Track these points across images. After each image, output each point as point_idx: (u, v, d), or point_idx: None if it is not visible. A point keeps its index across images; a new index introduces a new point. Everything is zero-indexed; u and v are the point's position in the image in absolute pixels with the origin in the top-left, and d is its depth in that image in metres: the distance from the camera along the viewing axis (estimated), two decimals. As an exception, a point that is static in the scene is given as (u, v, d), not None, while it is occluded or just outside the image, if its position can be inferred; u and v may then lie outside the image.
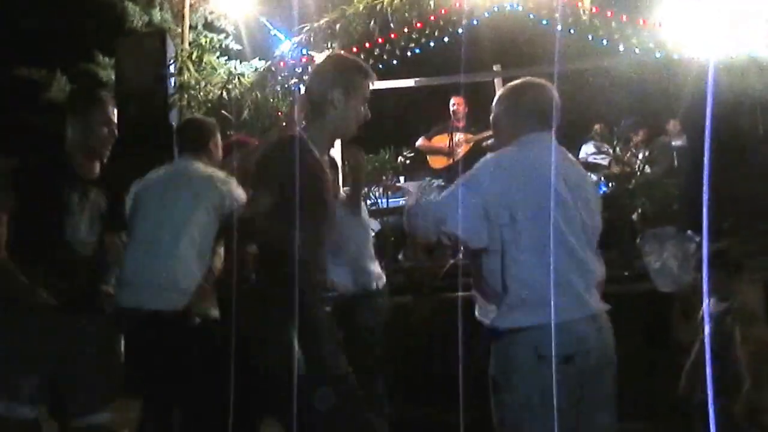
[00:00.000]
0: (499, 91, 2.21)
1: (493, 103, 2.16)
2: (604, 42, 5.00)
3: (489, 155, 2.04)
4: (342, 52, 4.12)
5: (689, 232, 3.94)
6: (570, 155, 2.13)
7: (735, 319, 3.06)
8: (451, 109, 6.36)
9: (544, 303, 1.78)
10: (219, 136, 3.01)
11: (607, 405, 1.95)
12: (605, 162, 4.72)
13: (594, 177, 5.01)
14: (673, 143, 5.93)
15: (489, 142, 6.62)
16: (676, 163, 5.22)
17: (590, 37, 5.02)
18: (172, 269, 2.63)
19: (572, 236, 1.87)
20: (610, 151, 4.47)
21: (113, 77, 5.84)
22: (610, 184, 4.47)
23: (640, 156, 4.69)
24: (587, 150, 6.26)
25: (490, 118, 2.18)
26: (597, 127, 6.37)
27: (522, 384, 1.83)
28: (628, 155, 4.42)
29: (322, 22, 5.35)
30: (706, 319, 3.13)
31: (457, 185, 1.92)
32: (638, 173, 4.39)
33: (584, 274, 1.90)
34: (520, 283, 1.85)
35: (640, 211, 4.39)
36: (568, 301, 1.82)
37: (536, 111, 2.03)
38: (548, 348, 1.75)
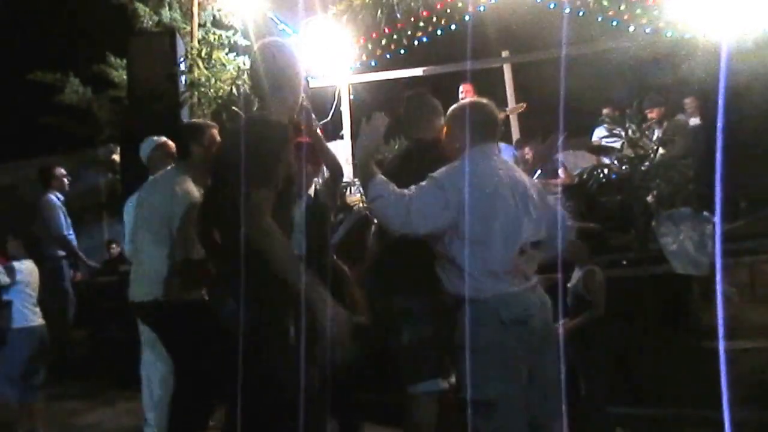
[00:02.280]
0: (449, 111, 2.51)
1: (445, 121, 2.54)
2: (614, 23, 4.94)
3: (444, 170, 2.32)
4: None
5: (705, 213, 3.90)
6: (511, 163, 2.52)
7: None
8: (460, 96, 6.33)
9: (499, 279, 2.21)
10: (206, 134, 2.98)
11: (557, 370, 2.29)
12: (617, 145, 4.67)
13: (607, 160, 4.97)
14: (690, 121, 5.85)
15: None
16: (691, 143, 5.14)
17: (599, 18, 4.97)
18: (144, 265, 2.95)
19: (517, 229, 2.27)
20: (623, 133, 4.41)
21: (125, 77, 5.91)
22: (623, 167, 4.42)
23: (654, 137, 4.62)
24: (599, 134, 6.20)
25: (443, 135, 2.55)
26: (606, 110, 6.31)
27: (485, 344, 2.18)
28: (640, 136, 4.36)
29: (329, 14, 5.36)
30: (720, 301, 3.11)
31: (424, 184, 2.27)
32: (652, 155, 4.33)
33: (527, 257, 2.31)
34: (478, 263, 2.22)
35: (655, 193, 4.34)
36: (515, 277, 2.24)
37: (482, 126, 2.39)
38: (506, 313, 2.18)
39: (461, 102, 2.51)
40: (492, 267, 2.21)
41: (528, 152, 6.71)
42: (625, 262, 4.01)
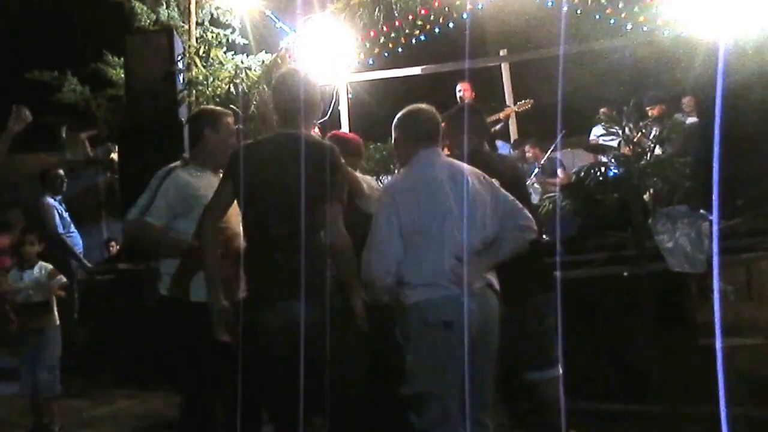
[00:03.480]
0: (395, 119, 2.62)
1: (393, 128, 2.63)
2: (611, 21, 4.95)
3: (388, 181, 2.51)
4: None
5: (702, 210, 3.91)
6: (456, 164, 2.52)
7: None
8: (458, 95, 6.34)
9: (429, 284, 2.32)
10: (223, 121, 2.89)
11: (488, 368, 2.41)
12: (614, 143, 4.68)
13: (604, 158, 4.97)
14: (688, 120, 5.85)
15: (498, 127, 6.65)
16: (688, 141, 5.15)
17: (597, 17, 4.97)
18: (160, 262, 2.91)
19: (452, 233, 2.34)
20: (620, 132, 4.42)
21: (123, 76, 5.91)
22: (620, 168, 4.43)
23: (651, 135, 4.63)
24: (596, 132, 6.21)
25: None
26: (603, 110, 6.33)
27: (416, 345, 2.34)
28: (638, 135, 4.37)
29: (327, 12, 5.35)
30: (716, 299, 3.12)
31: (375, 228, 2.39)
32: (649, 153, 4.34)
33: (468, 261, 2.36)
34: (412, 271, 2.35)
35: (652, 191, 4.35)
36: (448, 283, 2.32)
37: (424, 132, 2.51)
38: (432, 317, 2.30)
39: (403, 110, 2.62)
40: (424, 274, 2.33)
41: (529, 150, 6.74)
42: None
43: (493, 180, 2.57)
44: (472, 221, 2.38)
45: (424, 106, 2.61)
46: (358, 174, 3.02)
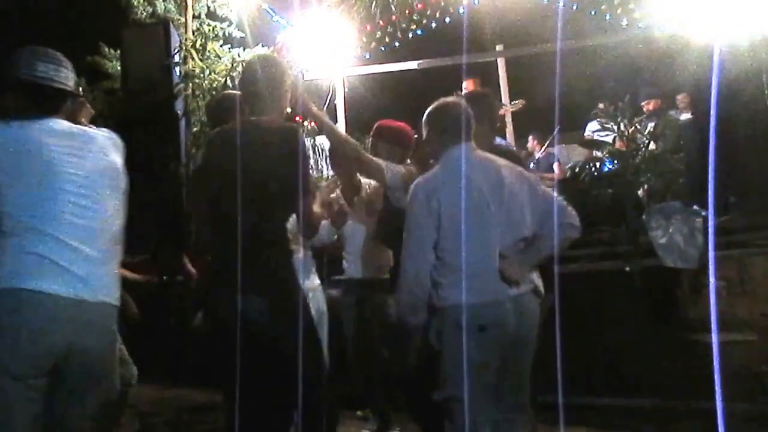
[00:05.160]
0: (424, 115, 2.48)
1: (423, 125, 2.49)
2: (607, 17, 4.95)
3: (419, 179, 2.36)
4: None
5: (695, 206, 3.92)
6: (491, 159, 2.40)
7: None
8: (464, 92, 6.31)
9: (469, 287, 2.20)
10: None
11: (523, 374, 2.32)
12: (609, 139, 4.70)
13: (599, 154, 4.99)
14: (682, 117, 5.87)
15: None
16: (682, 137, 5.16)
17: (593, 13, 4.98)
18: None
19: (490, 233, 2.25)
20: (615, 127, 4.43)
21: (119, 69, 5.89)
22: (615, 161, 4.44)
23: (646, 131, 4.65)
24: (592, 128, 6.23)
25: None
26: (601, 105, 6.34)
27: (448, 348, 2.25)
28: (632, 130, 4.38)
29: (324, 6, 5.35)
30: (713, 296, 3.14)
31: (408, 231, 2.30)
32: (643, 148, 4.36)
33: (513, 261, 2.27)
34: (448, 271, 2.25)
35: (645, 186, 4.37)
36: (487, 286, 2.22)
37: (455, 128, 2.36)
38: (468, 320, 2.18)
39: (432, 105, 2.49)
40: (460, 275, 2.21)
41: (530, 141, 6.76)
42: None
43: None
44: (511, 219, 2.29)
45: (453, 99, 2.50)
46: (401, 167, 2.81)
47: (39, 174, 1.85)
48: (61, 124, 1.95)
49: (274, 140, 2.28)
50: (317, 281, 3.06)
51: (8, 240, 1.81)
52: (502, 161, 2.41)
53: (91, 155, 1.95)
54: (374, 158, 2.75)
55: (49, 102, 1.97)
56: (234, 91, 3.06)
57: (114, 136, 2.08)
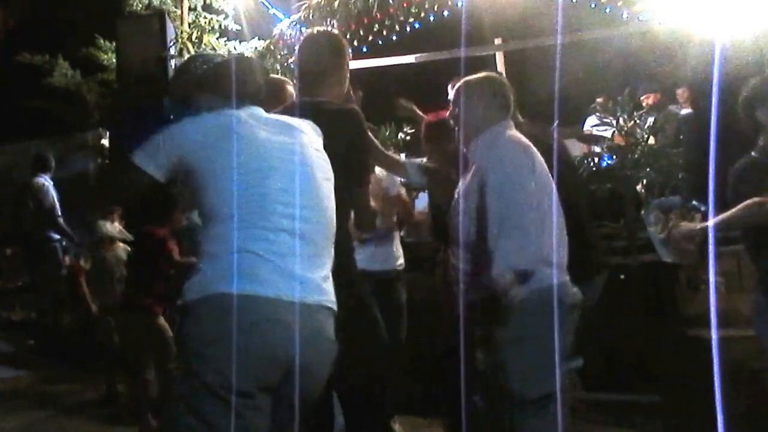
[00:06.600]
0: (459, 87, 2.32)
1: (455, 98, 2.31)
2: (607, 10, 4.92)
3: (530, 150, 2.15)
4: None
5: (694, 202, 3.91)
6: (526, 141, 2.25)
7: None
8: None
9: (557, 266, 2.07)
10: (287, 91, 2.65)
11: None
12: (608, 134, 4.68)
13: (597, 149, 4.97)
14: (682, 112, 5.86)
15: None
16: (681, 132, 5.15)
17: (593, 6, 4.94)
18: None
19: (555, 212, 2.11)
20: (614, 122, 4.42)
21: (114, 60, 5.85)
22: (614, 156, 4.43)
23: (646, 125, 4.63)
24: (591, 122, 6.21)
25: (452, 113, 2.34)
26: (599, 99, 6.31)
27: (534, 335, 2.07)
28: (631, 125, 4.37)
29: (320, -1, 5.31)
30: (712, 292, 3.12)
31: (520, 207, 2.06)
32: (643, 143, 4.34)
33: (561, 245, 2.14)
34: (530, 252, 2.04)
35: (644, 181, 4.36)
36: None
37: (503, 102, 2.27)
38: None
39: (471, 77, 2.33)
40: (544, 253, 2.03)
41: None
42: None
43: None
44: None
45: (493, 74, 2.38)
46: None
47: (248, 161, 1.61)
48: (263, 112, 1.79)
49: (339, 123, 2.06)
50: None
51: (215, 236, 1.58)
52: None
53: (298, 144, 1.74)
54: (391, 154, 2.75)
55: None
56: (274, 77, 2.91)
57: (314, 125, 1.87)
